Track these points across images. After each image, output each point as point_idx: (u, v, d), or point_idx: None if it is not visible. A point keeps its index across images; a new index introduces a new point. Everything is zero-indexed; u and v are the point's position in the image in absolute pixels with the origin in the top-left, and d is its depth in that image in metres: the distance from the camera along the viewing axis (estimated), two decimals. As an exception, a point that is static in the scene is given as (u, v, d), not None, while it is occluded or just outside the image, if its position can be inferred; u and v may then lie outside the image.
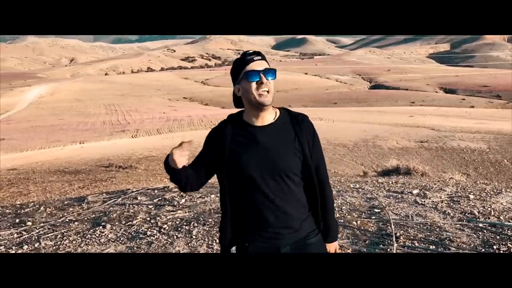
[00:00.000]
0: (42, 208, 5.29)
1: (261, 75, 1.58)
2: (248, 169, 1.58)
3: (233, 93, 1.69)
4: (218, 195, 5.34)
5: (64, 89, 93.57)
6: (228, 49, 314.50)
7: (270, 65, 1.66)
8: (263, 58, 1.63)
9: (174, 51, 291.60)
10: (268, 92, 1.59)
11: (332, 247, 1.76)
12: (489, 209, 4.30)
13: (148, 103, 66.74)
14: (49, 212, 5.03)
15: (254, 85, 1.58)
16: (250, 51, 1.64)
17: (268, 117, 1.65)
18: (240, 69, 1.62)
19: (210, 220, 4.19)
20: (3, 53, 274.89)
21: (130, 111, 54.50)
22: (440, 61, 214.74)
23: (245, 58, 1.61)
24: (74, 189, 9.99)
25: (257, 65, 1.60)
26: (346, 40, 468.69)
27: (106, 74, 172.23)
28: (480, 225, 3.78)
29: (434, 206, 4.48)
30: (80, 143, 29.10)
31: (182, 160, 1.54)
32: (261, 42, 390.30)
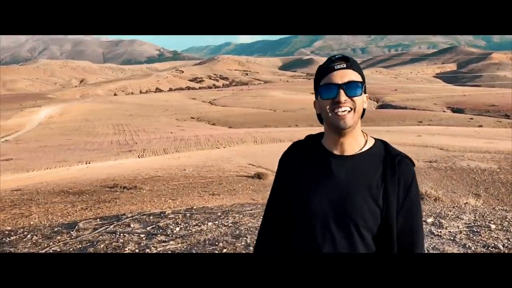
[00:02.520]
0: (29, 236, 4.98)
1: (340, 90, 1.20)
2: (312, 207, 1.22)
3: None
4: (215, 222, 5.04)
5: (73, 110, 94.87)
6: (235, 69, 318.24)
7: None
8: (350, 66, 1.23)
9: (182, 72, 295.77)
10: (348, 111, 1.21)
11: None
12: (514, 241, 3.89)
13: (155, 123, 67.14)
14: (34, 241, 4.70)
15: (329, 103, 1.21)
16: (336, 56, 1.27)
17: (352, 145, 1.26)
18: (319, 79, 1.26)
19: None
20: (15, 75, 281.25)
21: (137, 131, 54.81)
22: (447, 80, 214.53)
23: (326, 65, 1.25)
24: (76, 211, 9.70)
25: (338, 76, 1.21)
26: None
27: (115, 94, 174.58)
28: (506, 261, 3.37)
29: (452, 238, 4.07)
30: (86, 163, 29.03)
31: None
32: (267, 63, 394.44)
